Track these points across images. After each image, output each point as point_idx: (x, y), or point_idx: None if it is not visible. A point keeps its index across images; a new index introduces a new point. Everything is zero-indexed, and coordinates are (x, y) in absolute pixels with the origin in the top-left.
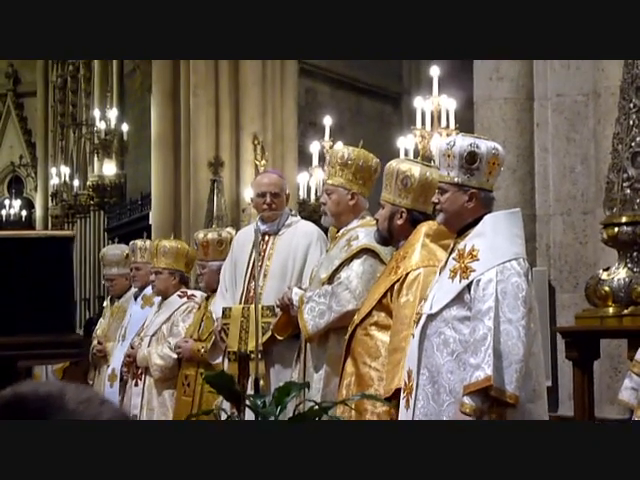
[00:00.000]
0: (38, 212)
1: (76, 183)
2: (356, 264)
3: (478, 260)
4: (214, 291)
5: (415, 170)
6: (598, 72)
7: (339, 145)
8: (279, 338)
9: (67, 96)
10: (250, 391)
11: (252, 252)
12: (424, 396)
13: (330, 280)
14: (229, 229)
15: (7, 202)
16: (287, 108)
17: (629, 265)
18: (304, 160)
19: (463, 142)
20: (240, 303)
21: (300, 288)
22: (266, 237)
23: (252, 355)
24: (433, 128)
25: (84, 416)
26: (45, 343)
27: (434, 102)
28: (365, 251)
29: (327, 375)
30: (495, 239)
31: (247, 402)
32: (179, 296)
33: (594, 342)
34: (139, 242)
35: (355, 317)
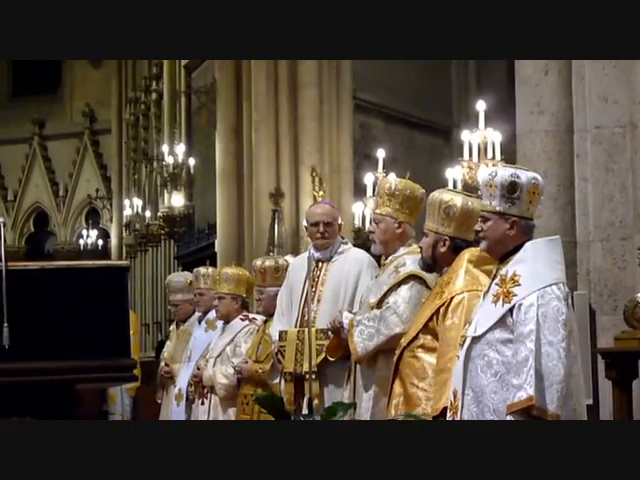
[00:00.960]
0: (113, 241)
1: (148, 214)
2: (404, 290)
3: (520, 285)
4: (272, 315)
5: (457, 200)
6: (634, 105)
7: (391, 177)
8: (331, 359)
9: (139, 133)
10: (305, 410)
11: (306, 278)
12: (469, 415)
13: (379, 305)
14: (287, 257)
15: (85, 232)
16: (343, 142)
17: None
18: (359, 191)
19: (504, 173)
20: (295, 327)
21: (350, 312)
22: (320, 264)
23: (307, 376)
24: (480, 159)
25: None
26: (101, 367)
27: (480, 135)
28: (412, 277)
29: (376, 395)
30: (536, 265)
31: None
32: (241, 319)
33: (633, 362)
34: (202, 269)
35: (402, 340)
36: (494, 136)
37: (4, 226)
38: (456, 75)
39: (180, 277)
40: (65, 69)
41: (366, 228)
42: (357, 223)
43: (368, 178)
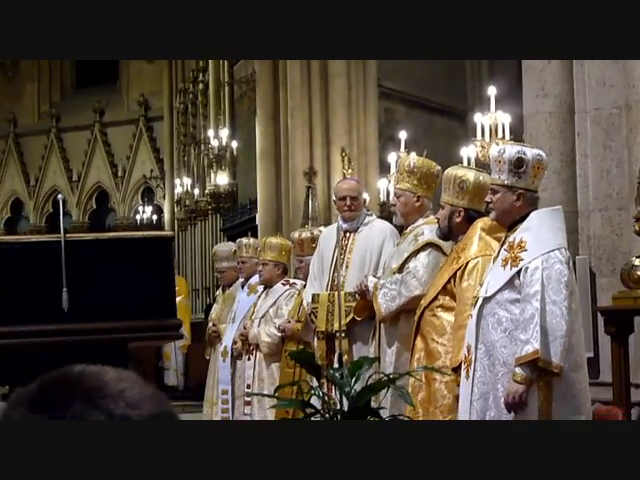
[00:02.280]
0: (166, 216)
1: (196, 191)
2: (422, 256)
3: (526, 250)
4: None
5: (470, 175)
6: (629, 88)
7: (411, 155)
8: (358, 319)
9: (188, 119)
10: (336, 365)
11: (335, 247)
12: (481, 367)
13: (400, 270)
14: (321, 228)
15: (141, 209)
16: (369, 125)
17: None
18: (384, 169)
19: (512, 150)
20: (326, 290)
21: (375, 277)
22: (347, 234)
23: (337, 334)
24: (491, 139)
25: (126, 398)
26: (151, 327)
27: (492, 117)
28: (430, 245)
29: (398, 350)
30: (540, 232)
31: (325, 374)
32: (282, 284)
33: (629, 319)
34: (244, 240)
35: (422, 301)
36: (504, 118)
37: (63, 202)
38: (470, 63)
39: (225, 247)
40: (122, 63)
41: (390, 201)
42: (382, 197)
43: (392, 157)
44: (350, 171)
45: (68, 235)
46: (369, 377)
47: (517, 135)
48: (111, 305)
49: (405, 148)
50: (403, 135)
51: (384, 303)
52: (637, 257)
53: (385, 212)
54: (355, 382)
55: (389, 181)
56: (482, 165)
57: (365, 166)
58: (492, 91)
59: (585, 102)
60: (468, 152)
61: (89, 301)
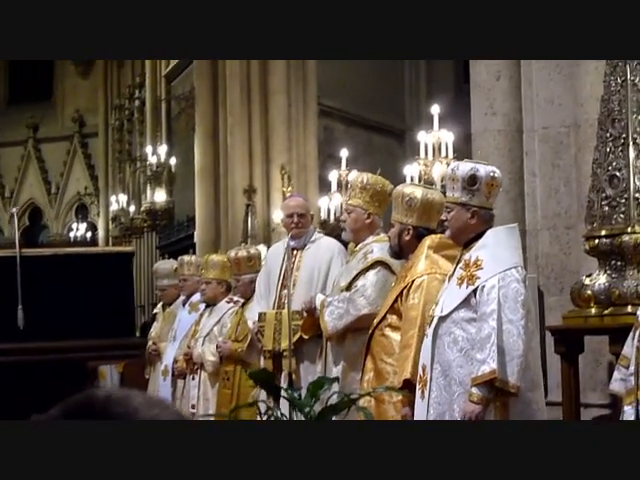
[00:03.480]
0: (100, 234)
1: (132, 209)
2: (371, 274)
3: (482, 269)
4: (248, 299)
5: (418, 192)
6: (578, 107)
7: (354, 173)
8: (305, 337)
9: (124, 136)
10: (283, 384)
11: (282, 264)
12: (437, 387)
13: (348, 288)
14: (259, 246)
15: (75, 225)
16: (309, 143)
17: (608, 272)
18: (324, 187)
19: (465, 167)
20: (273, 308)
21: (323, 294)
22: (295, 251)
23: (284, 353)
24: (434, 158)
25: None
26: (111, 346)
27: (435, 136)
28: (379, 263)
29: (344, 370)
30: (496, 250)
31: (285, 395)
32: (227, 302)
33: (579, 338)
34: (186, 257)
35: (374, 320)
36: (447, 136)
37: (16, 216)
38: (409, 83)
39: (166, 264)
40: (57, 79)
41: (331, 220)
42: (323, 215)
43: (332, 175)
44: (290, 189)
45: (24, 250)
46: (328, 398)
47: (460, 154)
48: (69, 323)
49: (346, 166)
50: (344, 153)
51: (331, 321)
52: (587, 276)
53: (326, 230)
54: (315, 403)
55: (330, 199)
56: (426, 184)
57: (305, 184)
58: (435, 109)
59: (533, 120)
60: (411, 170)
61: (46, 319)
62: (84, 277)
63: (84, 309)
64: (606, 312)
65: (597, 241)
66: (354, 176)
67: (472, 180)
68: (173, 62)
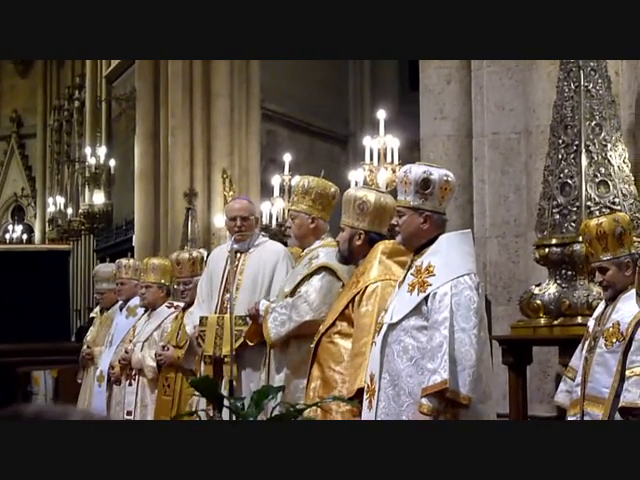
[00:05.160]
0: (37, 236)
1: (69, 211)
2: (315, 280)
3: (434, 275)
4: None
5: (370, 196)
6: (529, 113)
7: (296, 178)
8: (250, 344)
9: (62, 137)
10: (224, 391)
11: (225, 268)
12: (385, 398)
13: (292, 294)
14: (200, 250)
15: (10, 227)
16: (251, 147)
17: (558, 281)
18: (266, 192)
19: (418, 170)
20: (215, 313)
21: (267, 300)
22: (238, 255)
23: (226, 359)
24: (380, 163)
25: None
26: (44, 350)
27: (381, 141)
28: (324, 269)
29: (287, 377)
30: (449, 256)
31: (227, 404)
32: (167, 306)
33: (527, 349)
34: (124, 260)
35: (321, 327)
36: (393, 142)
37: None
38: (353, 89)
39: (107, 268)
40: None
41: (272, 225)
42: (265, 221)
43: (275, 180)
44: (231, 193)
45: None
46: (273, 408)
47: (405, 162)
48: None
49: (289, 171)
50: (287, 158)
51: (273, 328)
52: (536, 285)
53: (268, 235)
54: (259, 413)
55: (272, 204)
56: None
57: (246, 188)
58: (381, 114)
59: (483, 126)
60: (356, 176)
61: None
62: (16, 276)
63: (15, 310)
64: (556, 322)
65: (547, 250)
66: (296, 181)
67: (425, 184)
68: (114, 63)
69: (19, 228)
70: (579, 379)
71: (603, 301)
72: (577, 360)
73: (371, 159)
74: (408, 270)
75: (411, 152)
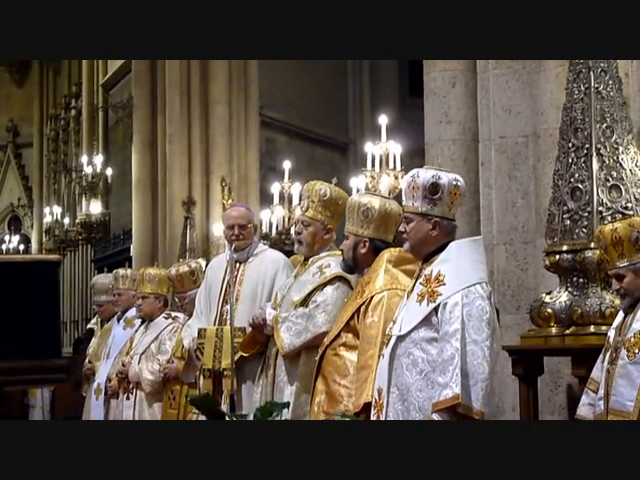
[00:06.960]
0: (34, 246)
1: (66, 221)
2: (330, 290)
3: (444, 284)
4: None
5: (375, 202)
6: (537, 116)
7: (311, 182)
8: (245, 355)
9: (59, 146)
10: (224, 406)
11: (224, 278)
12: (394, 413)
13: (303, 303)
14: (199, 260)
15: (7, 238)
16: (250, 155)
17: (569, 289)
18: (265, 199)
19: (426, 174)
20: (214, 325)
21: (272, 308)
22: (237, 264)
23: (225, 372)
24: (382, 170)
25: None
26: (32, 368)
27: (382, 147)
28: (338, 278)
29: (297, 390)
30: (460, 265)
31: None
32: (164, 317)
33: (538, 359)
34: (121, 271)
35: (325, 339)
36: (395, 148)
37: None
38: (352, 96)
39: (105, 279)
40: None
41: (272, 233)
42: (265, 229)
43: (274, 188)
44: (230, 201)
45: None
46: None
47: (407, 167)
48: None
49: (288, 178)
50: (287, 165)
51: (288, 338)
52: (547, 294)
53: (267, 243)
54: None
55: (272, 212)
56: None
57: (245, 196)
58: (383, 120)
59: (490, 130)
60: (357, 182)
61: None
62: (2, 289)
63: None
64: (567, 332)
65: (558, 257)
66: (313, 187)
67: (434, 188)
68: (111, 71)
69: (16, 238)
70: (601, 392)
71: (622, 310)
72: (598, 371)
73: (372, 165)
74: (417, 279)
75: (412, 159)
